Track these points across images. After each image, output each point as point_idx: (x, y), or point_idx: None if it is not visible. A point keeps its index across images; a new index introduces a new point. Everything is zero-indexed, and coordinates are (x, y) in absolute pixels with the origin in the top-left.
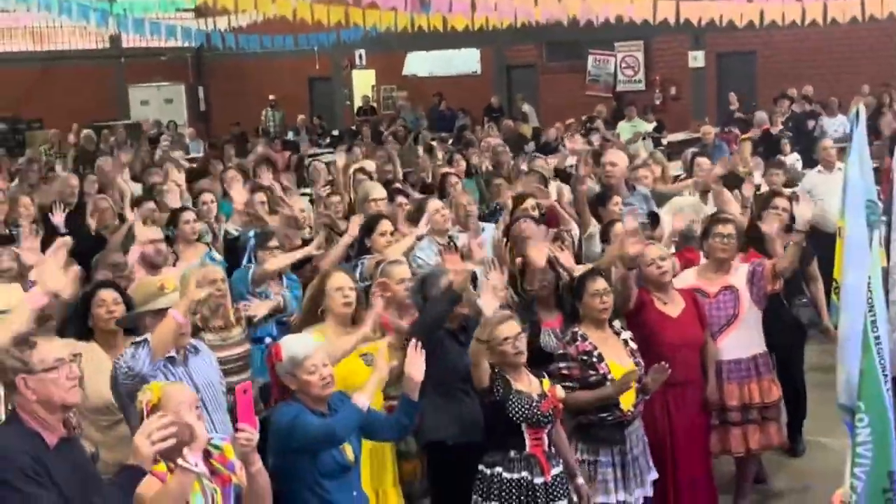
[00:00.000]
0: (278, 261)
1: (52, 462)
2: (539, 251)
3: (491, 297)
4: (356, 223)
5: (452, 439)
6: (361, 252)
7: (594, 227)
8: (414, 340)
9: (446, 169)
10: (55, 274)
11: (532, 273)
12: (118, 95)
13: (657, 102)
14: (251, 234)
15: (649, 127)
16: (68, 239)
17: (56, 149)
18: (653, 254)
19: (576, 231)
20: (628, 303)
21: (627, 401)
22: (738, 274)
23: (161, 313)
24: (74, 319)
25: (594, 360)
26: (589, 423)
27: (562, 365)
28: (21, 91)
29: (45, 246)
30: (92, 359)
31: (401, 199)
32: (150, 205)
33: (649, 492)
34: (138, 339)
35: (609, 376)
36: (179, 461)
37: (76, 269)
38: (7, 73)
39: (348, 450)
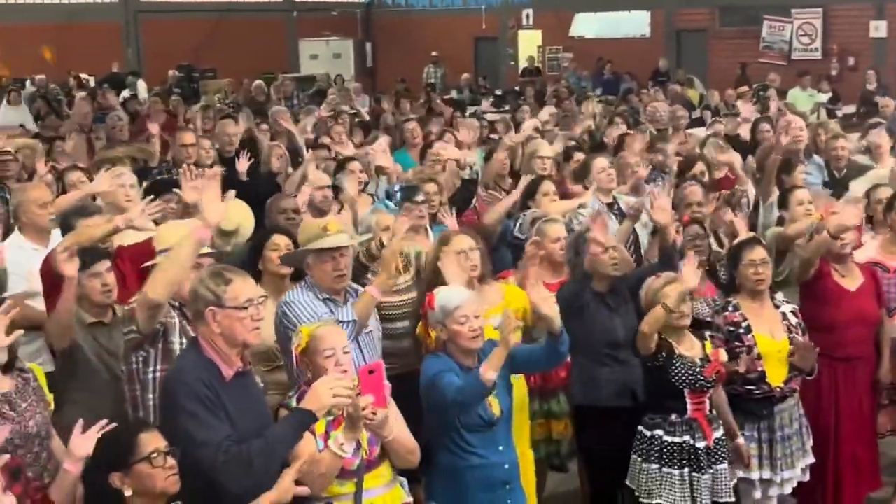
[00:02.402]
0: None
1: (226, 393)
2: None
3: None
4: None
5: (597, 404)
6: (522, 209)
7: (776, 195)
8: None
9: (624, 129)
10: (215, 205)
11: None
12: (289, 49)
13: (833, 73)
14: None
15: (824, 97)
16: (218, 169)
17: (228, 98)
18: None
19: (751, 193)
20: (808, 272)
21: (777, 377)
22: None
23: (323, 253)
24: (246, 261)
25: (741, 331)
26: (736, 394)
27: (707, 333)
28: (196, 41)
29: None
30: None
31: (579, 154)
32: (324, 152)
33: (801, 475)
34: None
35: (755, 349)
36: (332, 445)
37: (231, 194)
38: (184, 23)
39: (494, 404)
